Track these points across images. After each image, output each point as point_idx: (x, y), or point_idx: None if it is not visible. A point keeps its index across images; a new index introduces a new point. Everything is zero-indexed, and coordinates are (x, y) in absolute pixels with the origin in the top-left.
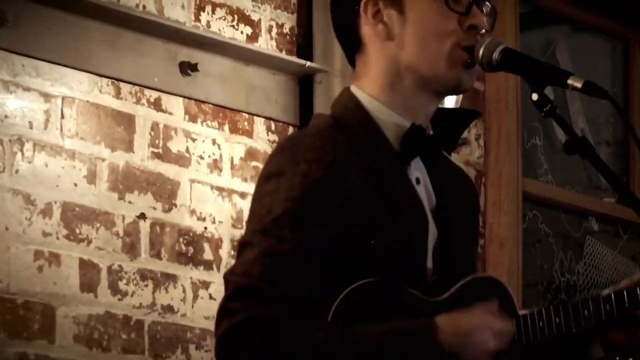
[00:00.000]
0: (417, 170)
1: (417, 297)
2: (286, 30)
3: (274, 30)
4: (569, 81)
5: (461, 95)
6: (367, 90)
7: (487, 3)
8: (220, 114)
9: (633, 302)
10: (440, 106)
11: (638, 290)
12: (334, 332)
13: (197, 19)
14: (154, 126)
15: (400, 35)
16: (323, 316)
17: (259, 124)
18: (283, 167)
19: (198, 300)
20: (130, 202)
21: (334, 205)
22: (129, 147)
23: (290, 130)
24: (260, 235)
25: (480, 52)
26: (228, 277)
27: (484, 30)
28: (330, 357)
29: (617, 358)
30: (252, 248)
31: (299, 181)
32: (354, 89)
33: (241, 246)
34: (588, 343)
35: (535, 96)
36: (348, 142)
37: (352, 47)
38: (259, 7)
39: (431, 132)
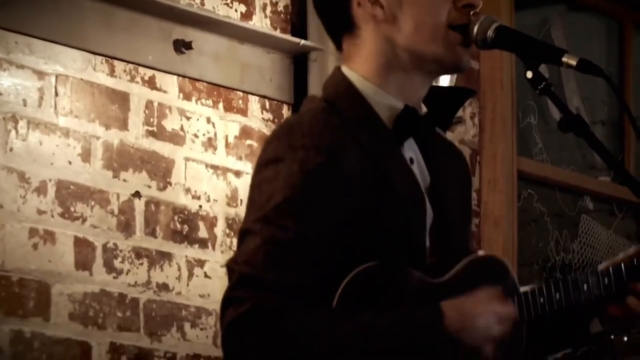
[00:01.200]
0: (410, 150)
1: (421, 279)
2: (280, 8)
3: (269, 9)
4: (564, 59)
5: (456, 74)
6: (359, 72)
7: None
8: (215, 92)
9: (631, 275)
10: (435, 85)
11: (635, 262)
12: (340, 319)
13: None
14: (149, 104)
15: (396, 17)
16: (328, 302)
17: (254, 103)
18: (281, 154)
19: (193, 278)
20: (125, 181)
21: (334, 190)
22: (124, 125)
23: (285, 108)
24: (262, 223)
25: (475, 29)
26: (231, 266)
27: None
28: (337, 344)
29: (612, 336)
30: (254, 236)
31: (298, 168)
32: (345, 69)
33: (242, 234)
34: (587, 319)
35: (529, 74)
36: (342, 124)
37: (340, 27)
38: None
39: (424, 111)
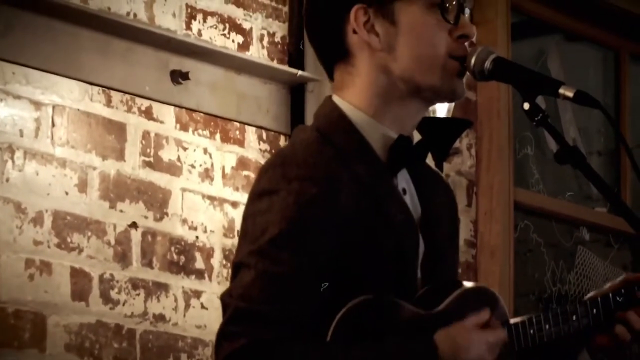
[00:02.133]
0: (403, 181)
1: (414, 312)
2: (277, 39)
3: (266, 39)
4: (561, 90)
5: (453, 105)
6: (352, 101)
7: (467, 9)
8: (212, 123)
9: (618, 304)
10: (432, 115)
11: (622, 292)
12: (334, 353)
13: (189, 28)
14: (145, 135)
15: (392, 46)
16: (322, 335)
17: (251, 133)
18: (275, 185)
19: (190, 309)
20: (121, 211)
21: (329, 222)
22: (120, 156)
23: (282, 139)
24: (257, 256)
25: (472, 61)
26: (226, 300)
27: (474, 40)
28: None
29: None
30: (248, 270)
31: (293, 200)
32: (336, 99)
33: (236, 267)
34: (575, 350)
35: (526, 105)
36: (336, 155)
37: (333, 56)
38: (251, 16)
39: (417, 140)
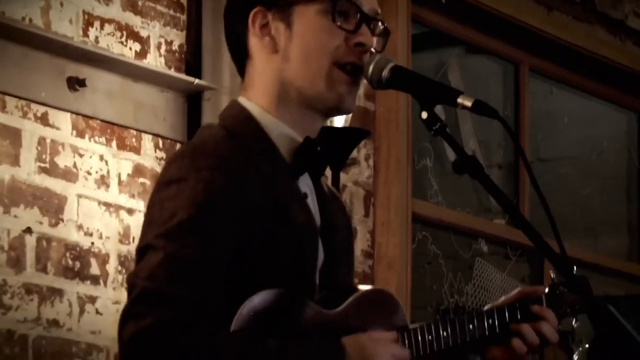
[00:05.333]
0: (305, 185)
1: (316, 310)
2: (175, 47)
3: (163, 47)
4: (459, 100)
5: (350, 115)
6: (257, 102)
7: (379, 23)
8: (108, 130)
9: (512, 317)
10: (329, 124)
11: (517, 305)
12: (242, 343)
13: (86, 34)
14: (41, 141)
15: (286, 50)
16: (227, 324)
17: (147, 141)
18: (184, 174)
19: (84, 314)
20: (15, 217)
21: (236, 215)
22: (15, 161)
23: (178, 147)
24: (164, 239)
25: (370, 69)
26: (132, 281)
27: (373, 50)
28: None
29: None
30: (156, 252)
31: (202, 188)
32: (242, 100)
33: (142, 250)
34: (471, 359)
35: (424, 114)
36: (243, 154)
37: (240, 56)
38: (148, 24)
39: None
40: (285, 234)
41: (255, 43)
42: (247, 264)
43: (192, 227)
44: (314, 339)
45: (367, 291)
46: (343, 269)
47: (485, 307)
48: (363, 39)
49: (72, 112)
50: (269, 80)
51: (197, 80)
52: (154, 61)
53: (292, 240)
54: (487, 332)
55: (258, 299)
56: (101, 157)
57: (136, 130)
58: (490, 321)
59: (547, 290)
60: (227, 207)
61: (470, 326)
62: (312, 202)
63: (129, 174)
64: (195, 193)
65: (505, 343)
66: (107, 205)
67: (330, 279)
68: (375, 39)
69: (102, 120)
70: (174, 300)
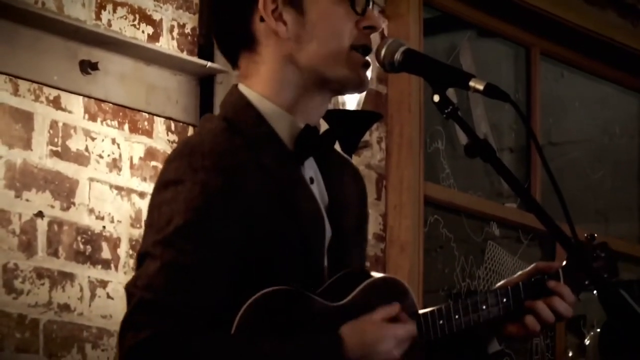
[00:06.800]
0: (310, 170)
1: (321, 304)
2: (187, 30)
3: (176, 31)
4: (471, 83)
5: (363, 97)
6: (258, 89)
7: (376, 6)
8: (120, 113)
9: (528, 293)
10: (342, 107)
11: (532, 281)
12: (240, 347)
13: (98, 18)
14: (53, 124)
15: (299, 36)
16: (228, 328)
17: (159, 124)
18: (181, 175)
19: (95, 299)
20: (27, 200)
21: (235, 213)
22: (27, 145)
23: (190, 130)
24: (162, 246)
25: (382, 53)
26: (131, 290)
27: (383, 32)
28: None
29: (507, 358)
30: (154, 260)
31: (199, 191)
32: (242, 87)
33: (141, 257)
34: (485, 339)
35: (436, 97)
36: (243, 145)
37: (238, 43)
38: (161, 7)
39: (324, 129)
40: (289, 222)
41: (263, 29)
42: (251, 260)
43: (189, 233)
44: (312, 335)
45: (374, 280)
46: (353, 250)
47: (499, 284)
48: (372, 22)
49: (84, 96)
50: (276, 66)
51: (209, 64)
52: (167, 44)
53: (297, 228)
54: (501, 312)
55: (262, 297)
56: (113, 141)
57: (148, 113)
58: (504, 300)
59: (563, 264)
60: (225, 208)
61: (484, 307)
62: (317, 185)
63: (140, 157)
64: (191, 197)
65: (521, 320)
66: (119, 188)
67: (339, 260)
68: (381, 20)
69: (114, 104)
70: (172, 309)
